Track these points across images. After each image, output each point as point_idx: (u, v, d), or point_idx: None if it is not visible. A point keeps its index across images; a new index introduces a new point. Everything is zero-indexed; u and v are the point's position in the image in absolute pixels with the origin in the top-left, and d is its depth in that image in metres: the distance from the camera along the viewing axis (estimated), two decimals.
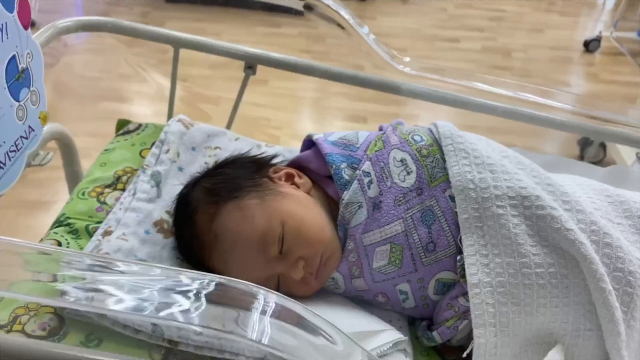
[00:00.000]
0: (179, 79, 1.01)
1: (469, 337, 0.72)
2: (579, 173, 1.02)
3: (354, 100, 2.47)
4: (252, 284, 0.50)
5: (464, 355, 0.70)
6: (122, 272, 0.51)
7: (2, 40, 0.76)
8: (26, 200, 1.69)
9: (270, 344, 0.45)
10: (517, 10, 3.83)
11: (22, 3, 0.80)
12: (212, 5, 3.29)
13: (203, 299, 0.48)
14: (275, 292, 0.50)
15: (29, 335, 0.63)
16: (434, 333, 0.74)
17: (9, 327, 0.64)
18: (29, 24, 0.83)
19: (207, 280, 0.50)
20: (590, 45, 3.26)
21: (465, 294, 0.71)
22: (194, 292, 0.48)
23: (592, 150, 1.30)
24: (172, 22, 3.17)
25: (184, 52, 0.99)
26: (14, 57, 0.79)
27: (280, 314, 0.48)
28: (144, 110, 2.09)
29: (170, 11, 3.27)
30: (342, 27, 0.94)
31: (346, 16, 0.93)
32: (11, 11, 0.78)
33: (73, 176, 1.03)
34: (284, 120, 2.41)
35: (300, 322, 0.48)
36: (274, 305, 0.49)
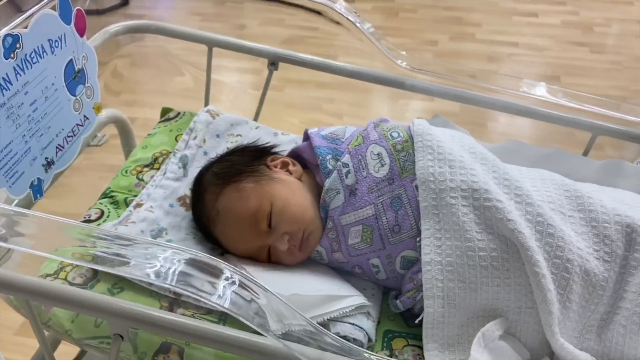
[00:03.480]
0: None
1: None
2: (573, 165, 1.10)
3: None
4: (222, 261, 0.64)
5: (416, 321, 0.84)
6: (137, 244, 0.67)
7: (61, 48, 0.96)
8: (107, 164, 1.96)
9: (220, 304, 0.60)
10: None
11: (78, 14, 0.99)
12: None
13: (184, 265, 0.63)
14: (233, 267, 0.64)
15: (70, 282, 0.83)
16: (398, 301, 0.87)
17: (55, 274, 0.84)
18: (84, 31, 1.01)
19: (188, 254, 0.64)
20: None
21: None
22: (184, 261, 0.63)
23: None
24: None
25: None
26: (71, 60, 0.98)
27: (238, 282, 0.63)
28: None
29: None
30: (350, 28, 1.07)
31: (352, 19, 1.05)
32: (68, 23, 0.97)
33: (129, 153, 1.23)
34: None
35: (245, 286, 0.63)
36: (234, 276, 0.63)
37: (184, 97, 2.42)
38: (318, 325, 0.65)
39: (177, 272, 0.62)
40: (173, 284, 0.61)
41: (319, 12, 1.08)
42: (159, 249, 0.65)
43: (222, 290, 0.62)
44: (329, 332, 0.65)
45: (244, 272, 0.64)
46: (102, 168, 1.98)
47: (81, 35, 1.00)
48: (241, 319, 0.59)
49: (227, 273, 0.63)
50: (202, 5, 3.52)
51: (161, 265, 0.63)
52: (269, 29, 3.23)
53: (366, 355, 0.63)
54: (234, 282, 0.63)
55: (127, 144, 1.23)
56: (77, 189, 1.62)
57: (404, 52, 1.08)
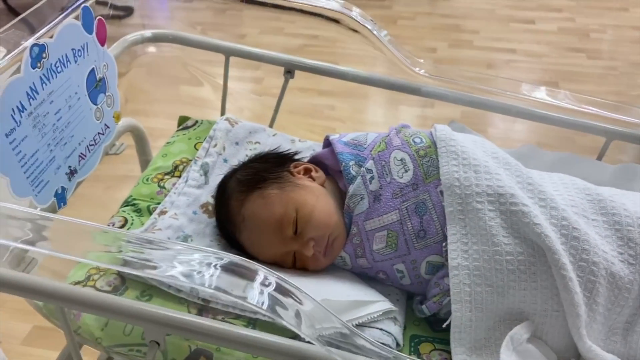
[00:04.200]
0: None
1: None
2: (589, 170, 1.11)
3: None
4: (257, 263, 0.65)
5: (444, 325, 0.84)
6: (166, 248, 0.67)
7: (84, 57, 0.96)
8: (115, 175, 1.95)
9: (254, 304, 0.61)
10: None
11: (99, 24, 1.00)
12: None
13: (220, 270, 0.64)
14: (268, 269, 0.64)
15: (98, 290, 0.83)
16: (424, 306, 0.88)
17: (84, 282, 0.84)
18: (105, 41, 1.02)
19: (225, 258, 0.64)
20: None
21: None
22: (215, 265, 0.63)
23: None
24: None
25: None
26: (93, 69, 0.99)
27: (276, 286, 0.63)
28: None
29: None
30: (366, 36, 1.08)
31: (369, 27, 1.06)
32: (90, 32, 0.97)
33: (144, 161, 1.24)
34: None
35: (284, 291, 0.64)
36: (270, 278, 0.64)
37: (193, 105, 2.43)
38: (355, 329, 0.65)
39: (214, 277, 0.62)
40: (212, 288, 0.61)
41: (336, 21, 1.09)
42: (192, 252, 0.65)
43: (260, 293, 0.62)
44: (366, 337, 0.65)
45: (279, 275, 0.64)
46: (108, 178, 1.98)
47: (102, 44, 1.01)
48: (285, 323, 0.59)
49: (263, 276, 0.63)
50: (201, 15, 3.53)
51: (197, 271, 0.63)
52: (268, 38, 3.24)
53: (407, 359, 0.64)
54: (270, 285, 0.63)
55: (144, 153, 1.24)
56: (88, 199, 1.62)
57: (422, 60, 1.09)
